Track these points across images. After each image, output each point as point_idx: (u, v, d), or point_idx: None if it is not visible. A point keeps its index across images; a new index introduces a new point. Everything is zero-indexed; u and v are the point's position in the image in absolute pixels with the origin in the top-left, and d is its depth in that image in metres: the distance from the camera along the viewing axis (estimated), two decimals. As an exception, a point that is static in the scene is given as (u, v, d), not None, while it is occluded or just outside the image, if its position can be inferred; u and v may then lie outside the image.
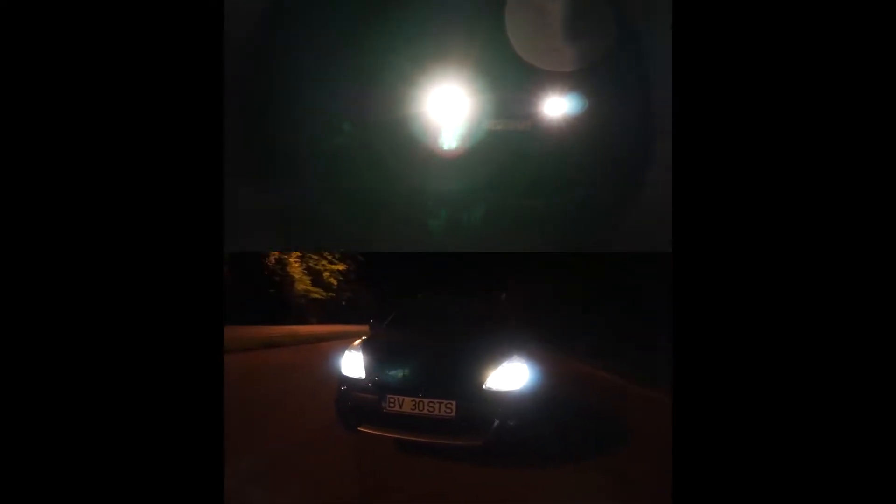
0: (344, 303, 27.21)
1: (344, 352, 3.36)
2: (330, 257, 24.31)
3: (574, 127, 4.09)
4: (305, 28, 3.59)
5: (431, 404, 2.86)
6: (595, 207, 3.59)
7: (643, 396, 6.45)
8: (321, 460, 3.09)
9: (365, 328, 4.36)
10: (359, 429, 3.00)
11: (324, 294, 24.47)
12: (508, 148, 3.81)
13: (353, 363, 3.22)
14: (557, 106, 4.17)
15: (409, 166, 3.53)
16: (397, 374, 3.09)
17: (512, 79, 4.20)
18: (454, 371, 3.06)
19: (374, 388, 3.02)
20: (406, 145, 3.59)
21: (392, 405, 2.91)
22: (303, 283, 22.17)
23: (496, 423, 2.84)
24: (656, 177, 3.32)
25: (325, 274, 24.44)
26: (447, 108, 3.92)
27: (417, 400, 2.88)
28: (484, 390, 2.95)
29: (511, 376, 3.03)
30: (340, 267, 25.52)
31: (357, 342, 3.48)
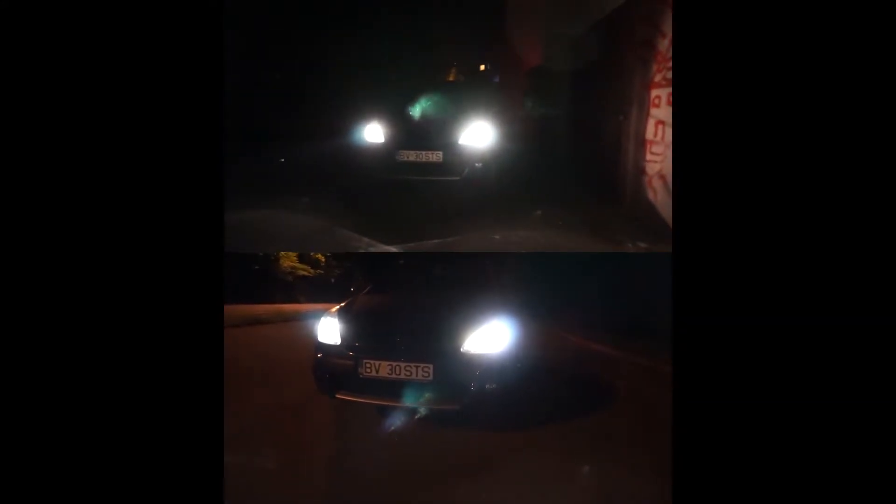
0: (333, 280, 26.87)
1: (320, 319, 3.28)
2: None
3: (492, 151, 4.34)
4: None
5: (408, 368, 2.80)
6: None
7: (636, 365, 6.36)
8: (301, 426, 3.10)
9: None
10: (337, 395, 2.94)
11: (311, 271, 24.08)
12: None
13: (328, 330, 3.14)
14: (471, 135, 4.33)
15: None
16: (373, 338, 3.02)
17: (428, 109, 4.44)
18: (431, 334, 2.98)
19: (350, 353, 2.95)
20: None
21: (368, 370, 2.84)
22: (288, 260, 21.81)
23: (474, 386, 2.79)
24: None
25: (313, 250, 24.04)
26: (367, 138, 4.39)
27: (394, 364, 2.81)
28: (462, 353, 2.89)
29: (491, 338, 2.96)
30: (328, 243, 25.01)
31: (334, 309, 3.41)
